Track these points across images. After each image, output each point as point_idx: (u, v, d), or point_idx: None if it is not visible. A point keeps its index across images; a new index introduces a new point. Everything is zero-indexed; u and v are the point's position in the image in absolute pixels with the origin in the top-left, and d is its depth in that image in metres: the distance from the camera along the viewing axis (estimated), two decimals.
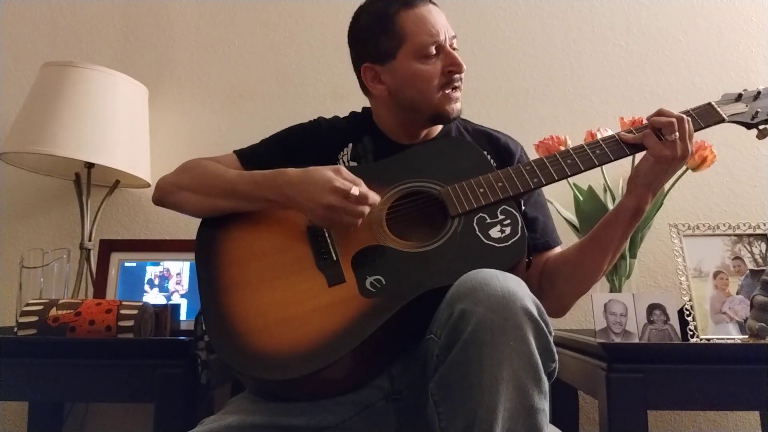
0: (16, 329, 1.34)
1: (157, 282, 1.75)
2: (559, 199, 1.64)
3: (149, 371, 1.29)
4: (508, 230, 1.05)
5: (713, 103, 1.16)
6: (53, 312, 1.34)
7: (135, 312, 1.35)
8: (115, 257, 1.77)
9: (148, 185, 1.78)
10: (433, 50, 1.18)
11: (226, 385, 1.54)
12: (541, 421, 0.87)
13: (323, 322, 1.00)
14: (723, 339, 1.37)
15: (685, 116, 1.10)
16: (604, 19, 1.95)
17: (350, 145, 1.26)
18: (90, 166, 1.72)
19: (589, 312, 1.38)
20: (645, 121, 1.13)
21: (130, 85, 1.75)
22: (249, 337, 1.01)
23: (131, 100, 1.74)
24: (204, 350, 1.19)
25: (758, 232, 1.48)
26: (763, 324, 1.26)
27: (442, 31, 1.18)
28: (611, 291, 1.57)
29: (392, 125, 1.27)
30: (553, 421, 1.11)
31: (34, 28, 1.98)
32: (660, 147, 1.08)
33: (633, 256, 1.60)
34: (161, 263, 1.76)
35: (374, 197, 1.08)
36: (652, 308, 1.36)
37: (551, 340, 0.90)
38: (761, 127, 1.16)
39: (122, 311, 1.35)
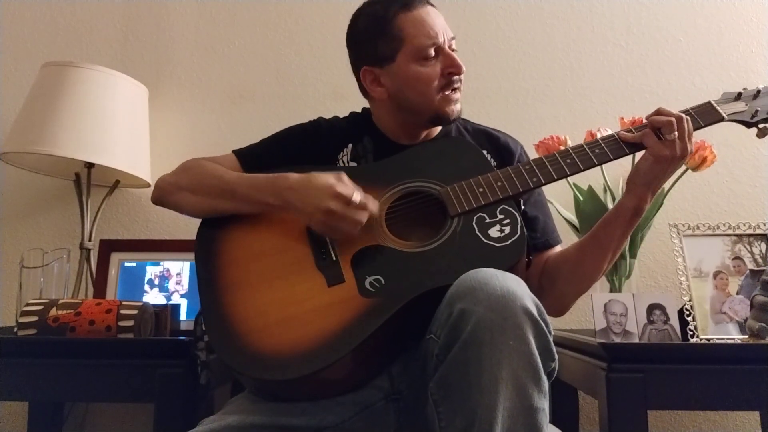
0: (16, 329, 1.34)
1: (157, 282, 1.75)
2: (559, 199, 1.64)
3: (149, 371, 1.29)
4: (507, 230, 1.05)
5: (713, 102, 1.16)
6: (53, 312, 1.34)
7: (135, 312, 1.35)
8: (115, 257, 1.77)
9: (148, 185, 1.78)
10: (432, 52, 1.18)
11: (226, 385, 1.55)
12: (541, 420, 0.87)
13: (323, 322, 1.00)
14: (723, 339, 1.37)
15: (684, 115, 1.10)
16: (604, 19, 1.95)
17: (350, 145, 1.26)
18: (90, 166, 1.72)
19: (589, 312, 1.38)
20: (644, 121, 1.13)
21: (130, 85, 1.75)
22: (249, 337, 1.01)
23: (131, 100, 1.74)
24: (203, 351, 1.19)
25: (758, 232, 1.48)
26: (763, 324, 1.25)
27: (441, 33, 1.18)
28: (611, 291, 1.57)
29: (392, 126, 1.27)
30: (553, 421, 1.11)
31: (34, 28, 1.98)
32: (659, 146, 1.08)
33: (633, 256, 1.60)
34: (161, 263, 1.76)
35: (373, 206, 1.07)
36: (652, 308, 1.36)
37: (551, 339, 0.90)
38: (761, 125, 1.16)
39: (122, 311, 1.35)
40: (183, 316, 1.66)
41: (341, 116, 1.34)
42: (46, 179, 1.85)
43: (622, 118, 1.53)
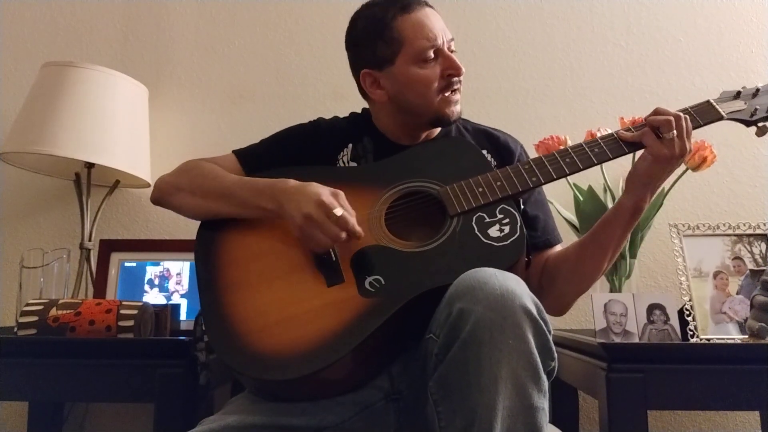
0: (16, 329, 1.34)
1: (157, 282, 1.75)
2: (559, 199, 1.64)
3: (149, 371, 1.29)
4: (507, 229, 1.05)
5: (712, 101, 1.16)
6: (53, 312, 1.34)
7: (135, 312, 1.35)
8: (115, 257, 1.77)
9: (148, 185, 1.78)
10: (432, 54, 1.18)
11: (226, 385, 1.55)
12: (541, 419, 0.87)
13: (323, 322, 1.00)
14: (723, 339, 1.37)
15: (682, 114, 1.10)
16: (604, 19, 1.95)
17: (350, 145, 1.26)
18: (90, 166, 1.72)
19: (589, 312, 1.38)
20: (644, 121, 1.13)
21: (130, 85, 1.75)
22: (249, 337, 1.01)
23: (131, 100, 1.75)
24: (203, 351, 1.19)
25: (758, 232, 1.48)
26: (763, 324, 1.25)
27: (440, 35, 1.18)
28: (611, 291, 1.57)
29: (392, 128, 1.27)
30: (553, 421, 1.11)
31: (34, 28, 1.98)
32: (658, 145, 1.08)
33: (633, 256, 1.60)
34: (161, 263, 1.76)
35: (356, 229, 1.05)
36: (652, 308, 1.35)
37: (550, 338, 0.90)
38: (760, 124, 1.16)
39: (122, 311, 1.35)
40: (183, 316, 1.66)
41: (341, 116, 1.34)
42: (46, 179, 1.86)
43: (622, 118, 1.53)
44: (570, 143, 1.54)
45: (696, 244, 1.47)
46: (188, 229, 1.26)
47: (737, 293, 1.42)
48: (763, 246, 1.47)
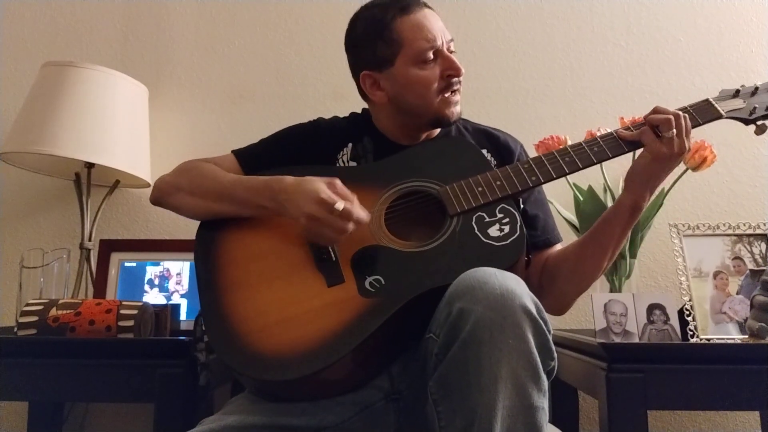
0: (16, 329, 1.34)
1: (157, 282, 1.75)
2: (559, 199, 1.64)
3: (149, 371, 1.29)
4: (507, 229, 1.05)
5: (711, 100, 1.16)
6: (53, 312, 1.34)
7: (135, 312, 1.35)
8: (115, 257, 1.77)
9: (148, 185, 1.77)
10: (431, 55, 1.18)
11: (226, 385, 1.55)
12: (541, 419, 0.87)
13: (323, 323, 1.00)
14: (723, 339, 1.37)
15: (681, 113, 1.10)
16: (604, 19, 1.95)
17: (350, 144, 1.26)
18: (90, 166, 1.72)
19: (589, 312, 1.38)
20: (643, 120, 1.13)
21: (130, 85, 1.75)
22: (249, 338, 1.01)
23: (131, 100, 1.75)
24: (203, 351, 1.19)
25: (758, 232, 1.48)
26: (763, 324, 1.25)
27: (439, 36, 1.18)
28: (611, 291, 1.57)
29: (392, 129, 1.27)
30: (553, 421, 1.11)
31: (34, 28, 1.98)
32: (657, 144, 1.08)
33: (633, 256, 1.60)
34: (161, 263, 1.76)
35: (361, 215, 1.05)
36: (652, 308, 1.35)
37: (550, 338, 0.90)
38: (759, 122, 1.16)
39: (122, 311, 1.35)
40: (183, 316, 1.66)
41: (341, 116, 1.34)
42: (46, 179, 1.86)
43: (622, 118, 1.53)
44: (570, 143, 1.54)
45: (696, 244, 1.47)
46: (188, 229, 1.26)
47: (737, 293, 1.42)
48: (763, 246, 1.47)
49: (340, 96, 1.88)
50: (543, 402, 0.87)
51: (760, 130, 1.16)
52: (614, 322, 1.35)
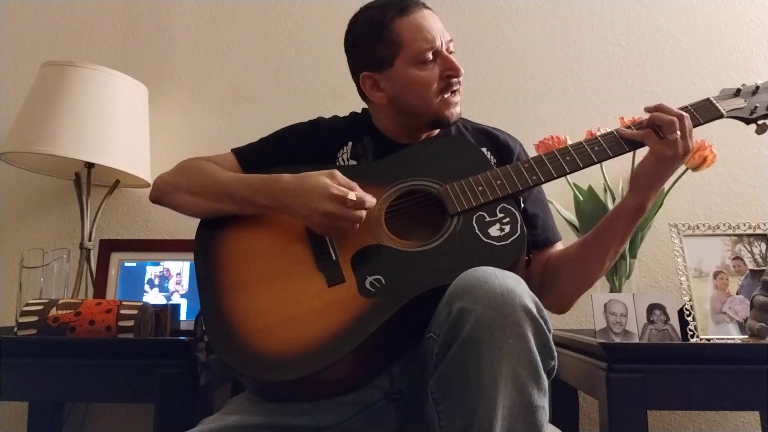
0: (16, 329, 1.34)
1: (157, 282, 1.75)
2: (559, 199, 1.64)
3: (149, 371, 1.29)
4: (507, 228, 1.05)
5: (712, 99, 1.16)
6: (53, 312, 1.34)
7: (135, 312, 1.35)
8: (115, 257, 1.77)
9: (148, 185, 1.77)
10: (430, 56, 1.18)
11: (226, 385, 1.55)
12: (541, 418, 0.87)
13: (323, 323, 1.00)
14: (723, 339, 1.37)
15: (685, 113, 1.10)
16: (604, 19, 1.95)
17: (350, 143, 1.26)
18: (90, 166, 1.72)
19: (589, 312, 1.38)
20: (645, 114, 1.12)
21: (130, 85, 1.75)
22: (249, 338, 1.01)
23: (131, 100, 1.74)
24: (203, 351, 1.19)
25: (758, 232, 1.48)
26: (763, 324, 1.25)
27: (438, 37, 1.18)
28: (611, 291, 1.57)
29: (392, 129, 1.27)
30: (553, 421, 1.11)
31: (34, 28, 1.98)
32: (662, 147, 1.08)
33: (633, 256, 1.59)
34: (161, 263, 1.76)
35: (370, 200, 1.07)
36: (652, 308, 1.35)
37: (550, 337, 0.90)
38: (760, 122, 1.16)
39: (122, 311, 1.35)
40: (183, 316, 1.66)
41: (341, 116, 1.34)
42: (46, 179, 1.85)
43: (622, 118, 1.53)
44: (569, 143, 1.54)
45: (696, 244, 1.47)
46: (188, 229, 1.26)
47: (737, 293, 1.42)
48: (763, 246, 1.47)
49: (340, 96, 1.88)
50: (543, 401, 0.87)
51: (761, 130, 1.15)
52: (614, 322, 1.35)
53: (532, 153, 1.33)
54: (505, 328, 0.85)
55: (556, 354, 0.91)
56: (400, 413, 1.04)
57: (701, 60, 1.92)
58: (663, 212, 1.63)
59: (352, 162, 1.25)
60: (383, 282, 1.03)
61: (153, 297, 1.73)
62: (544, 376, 0.88)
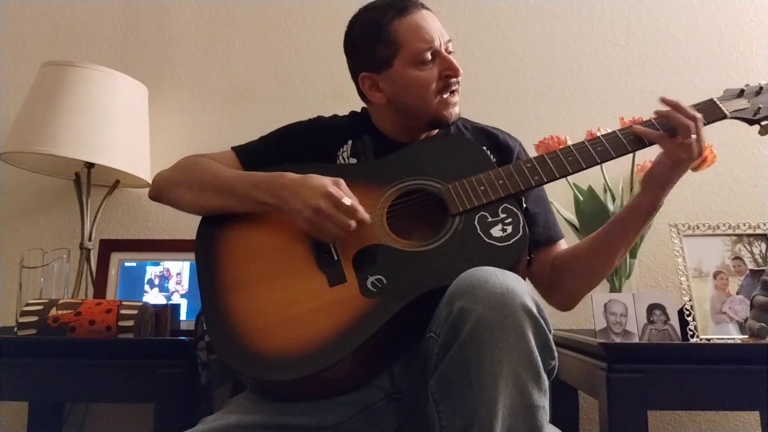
0: (16, 329, 1.34)
1: (157, 282, 1.75)
2: (559, 199, 1.64)
3: (149, 371, 1.29)
4: (509, 229, 1.05)
5: (715, 99, 1.15)
6: (53, 312, 1.34)
7: (135, 312, 1.35)
8: (115, 257, 1.77)
9: (148, 185, 1.76)
10: (429, 56, 1.18)
11: (226, 385, 1.54)
12: (542, 418, 0.87)
13: (324, 322, 1.00)
14: (723, 339, 1.37)
15: (698, 115, 1.09)
16: (604, 19, 1.95)
17: (350, 141, 1.26)
18: (90, 166, 1.72)
19: (589, 312, 1.38)
20: (661, 106, 1.11)
21: (130, 85, 1.75)
22: (249, 337, 1.01)
23: (131, 100, 1.74)
24: (204, 350, 1.18)
25: (758, 232, 1.48)
26: (763, 324, 1.25)
27: (437, 37, 1.18)
28: (611, 291, 1.57)
29: (391, 129, 1.27)
30: (553, 421, 1.11)
31: (34, 28, 1.98)
32: (677, 150, 1.08)
33: (633, 256, 1.60)
34: (161, 263, 1.76)
35: (364, 215, 1.07)
36: (652, 308, 1.35)
37: (551, 337, 0.90)
38: (763, 123, 1.15)
39: (122, 311, 1.35)
40: (183, 316, 1.66)
41: (341, 115, 1.34)
42: (46, 179, 1.85)
43: (622, 118, 1.53)
44: (570, 143, 1.54)
45: (696, 244, 1.47)
46: (188, 228, 1.26)
47: (737, 293, 1.42)
48: (763, 246, 1.47)
49: (340, 96, 1.87)
50: (543, 401, 0.87)
51: (764, 131, 1.15)
52: (614, 322, 1.35)
53: (532, 153, 1.33)
54: (505, 327, 0.85)
55: (556, 354, 0.91)
56: (400, 413, 1.04)
57: (701, 60, 1.92)
58: (663, 212, 1.62)
59: (353, 160, 1.25)
60: (385, 282, 1.03)
61: (153, 297, 1.72)
62: (544, 376, 0.88)
